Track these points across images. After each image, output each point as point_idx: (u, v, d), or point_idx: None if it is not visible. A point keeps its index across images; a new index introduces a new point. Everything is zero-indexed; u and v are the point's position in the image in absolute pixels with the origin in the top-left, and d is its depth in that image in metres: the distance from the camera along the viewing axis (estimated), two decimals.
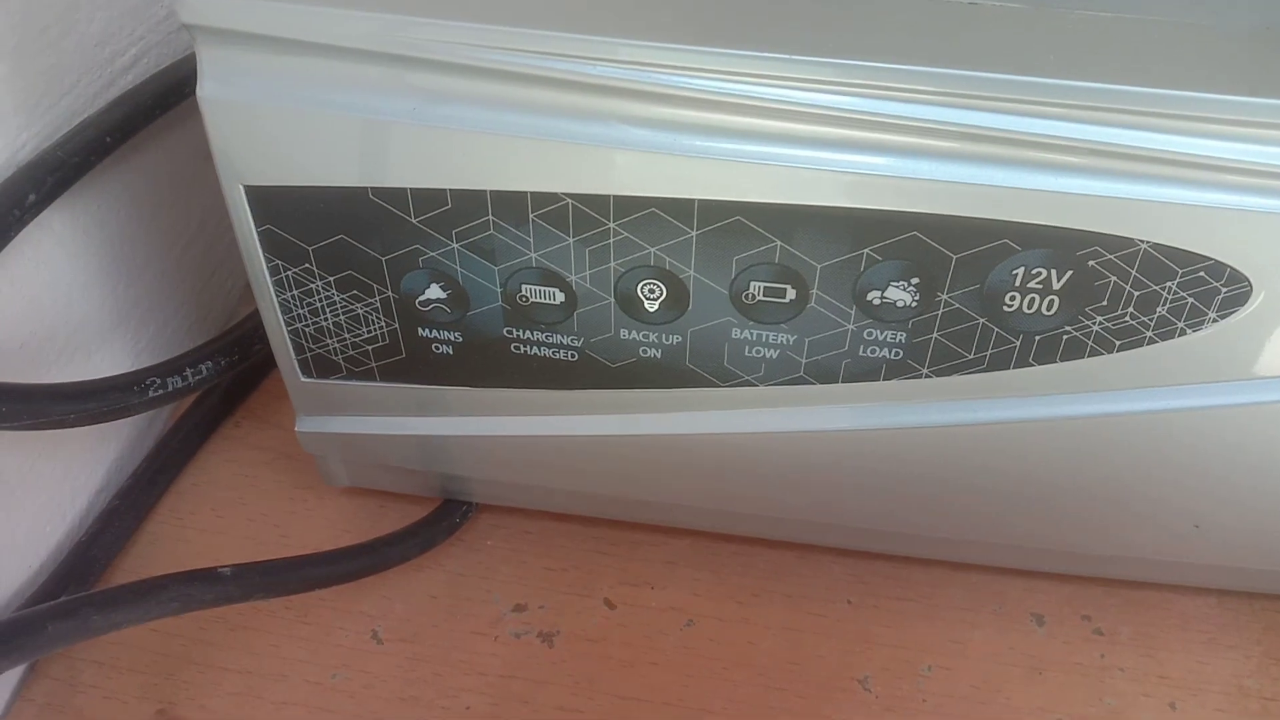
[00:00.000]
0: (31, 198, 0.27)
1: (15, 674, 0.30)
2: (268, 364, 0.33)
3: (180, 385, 0.30)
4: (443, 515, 0.32)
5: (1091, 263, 0.22)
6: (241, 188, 0.24)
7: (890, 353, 0.24)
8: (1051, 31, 0.21)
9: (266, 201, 0.24)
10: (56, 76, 0.29)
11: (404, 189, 0.23)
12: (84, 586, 0.31)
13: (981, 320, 0.23)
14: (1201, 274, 0.22)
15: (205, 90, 0.23)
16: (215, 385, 0.35)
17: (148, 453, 0.35)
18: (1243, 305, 0.22)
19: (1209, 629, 0.31)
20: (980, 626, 0.31)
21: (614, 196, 0.23)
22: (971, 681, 0.30)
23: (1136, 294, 0.22)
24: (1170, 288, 0.22)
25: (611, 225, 0.23)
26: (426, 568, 0.33)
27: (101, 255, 0.32)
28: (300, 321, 0.27)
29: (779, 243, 0.23)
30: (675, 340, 0.25)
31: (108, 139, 0.30)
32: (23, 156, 0.28)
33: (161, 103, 0.32)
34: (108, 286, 0.32)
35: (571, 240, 0.24)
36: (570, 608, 0.32)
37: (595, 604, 0.32)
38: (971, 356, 0.24)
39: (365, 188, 0.24)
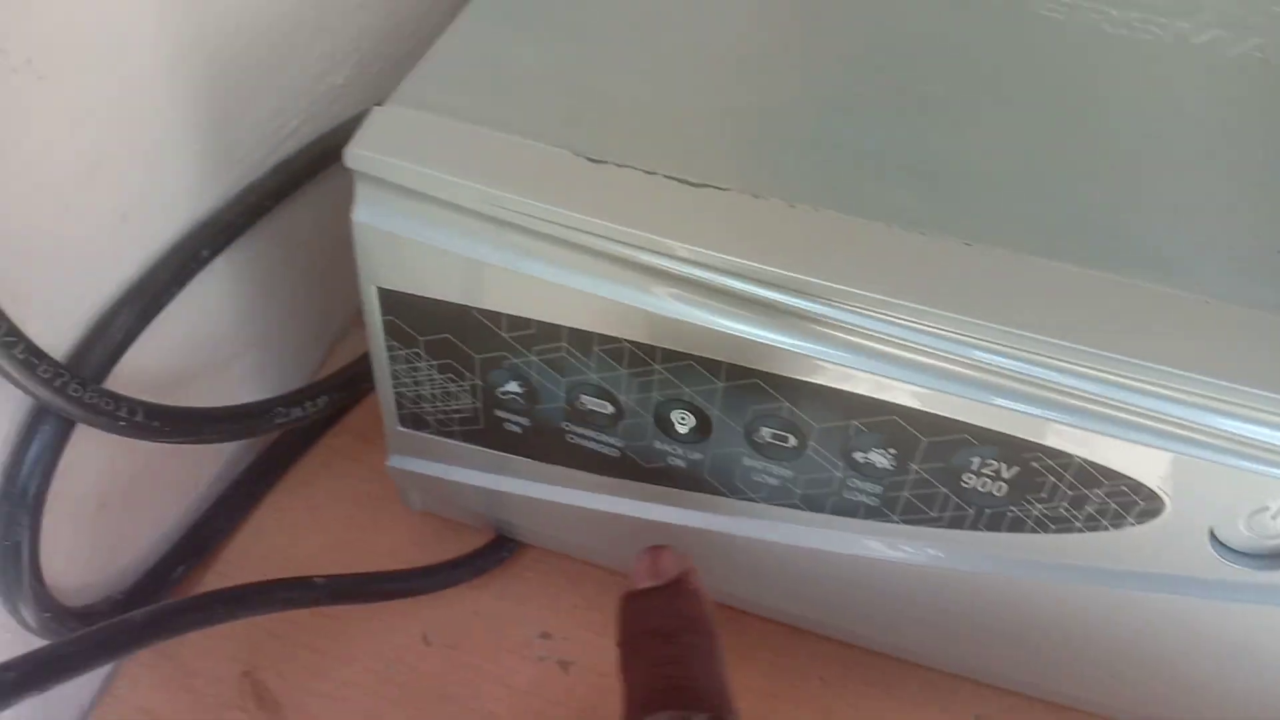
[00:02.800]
0: (205, 253, 0.34)
1: None
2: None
3: (300, 415, 0.36)
4: (494, 549, 0.39)
5: (1033, 463, 0.27)
6: (375, 288, 0.30)
7: (868, 499, 0.30)
8: (1026, 282, 0.26)
9: (393, 300, 0.31)
10: (235, 149, 0.36)
11: (500, 313, 0.29)
12: (197, 559, 0.38)
13: (943, 489, 0.29)
14: (1124, 488, 0.27)
15: (358, 216, 0.29)
16: None
17: (259, 453, 0.41)
18: (1157, 516, 0.27)
19: None
20: (926, 718, 0.37)
21: (661, 348, 0.28)
22: None
23: (1070, 493, 0.28)
24: (1098, 493, 0.27)
25: (656, 367, 0.29)
26: (474, 588, 0.39)
27: (242, 296, 0.38)
28: (404, 387, 0.33)
29: (787, 403, 0.28)
30: (697, 457, 0.31)
31: (267, 203, 0.37)
32: (199, 215, 0.35)
33: (311, 171, 0.39)
34: (246, 321, 0.39)
35: (624, 371, 0.30)
36: (588, 642, 0.38)
37: (610, 643, 0.38)
38: (933, 514, 0.29)
39: (470, 306, 0.30)
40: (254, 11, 0.34)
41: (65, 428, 0.30)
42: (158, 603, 0.30)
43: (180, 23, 0.31)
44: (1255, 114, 0.32)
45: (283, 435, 0.42)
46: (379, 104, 0.30)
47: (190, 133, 0.33)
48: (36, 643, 0.32)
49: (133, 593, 0.36)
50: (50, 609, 0.31)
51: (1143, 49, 0.34)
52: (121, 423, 0.30)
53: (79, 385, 0.29)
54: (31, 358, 0.27)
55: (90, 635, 0.28)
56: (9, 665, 0.25)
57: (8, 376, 0.27)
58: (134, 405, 0.31)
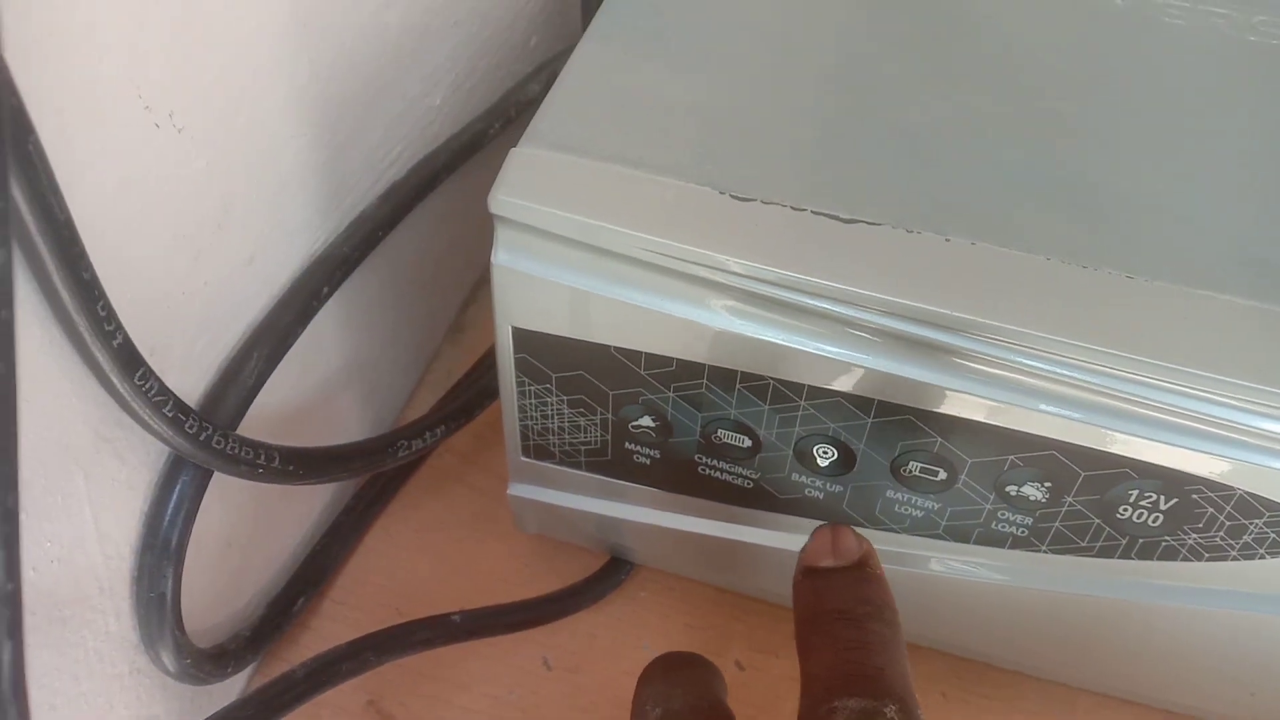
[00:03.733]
0: (325, 290, 0.34)
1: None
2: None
3: (420, 446, 0.36)
4: (610, 572, 0.39)
5: (1194, 495, 0.27)
6: (510, 327, 0.30)
7: (1018, 530, 0.30)
8: (1188, 315, 0.26)
9: (526, 339, 0.30)
10: (346, 181, 0.35)
11: (640, 351, 0.29)
12: (315, 588, 0.38)
13: (1096, 520, 0.28)
14: None
15: (498, 259, 0.29)
16: None
17: (367, 479, 0.41)
18: None
19: None
20: None
21: (807, 385, 0.28)
22: None
23: (1228, 523, 0.27)
24: (1257, 524, 0.27)
25: (801, 403, 0.29)
26: (590, 610, 0.39)
27: (351, 328, 0.38)
28: (531, 420, 0.33)
29: (939, 439, 0.28)
30: (837, 489, 0.31)
31: (379, 233, 0.36)
32: (317, 251, 0.35)
33: (418, 195, 0.38)
34: (354, 352, 0.39)
35: (766, 408, 0.29)
36: None
37: (727, 663, 0.38)
38: (1084, 544, 0.29)
39: (609, 345, 0.29)
40: (362, 46, 0.33)
41: (204, 477, 0.30)
42: (312, 656, 0.30)
43: (297, 65, 0.30)
44: None
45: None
46: (514, 146, 0.29)
47: (308, 170, 0.33)
48: (172, 685, 0.33)
49: (259, 627, 0.36)
50: (190, 655, 0.32)
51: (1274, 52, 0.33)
52: (260, 469, 0.30)
53: (222, 437, 0.29)
54: (179, 414, 0.27)
55: (257, 696, 0.28)
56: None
57: (157, 434, 0.27)
58: (271, 451, 0.31)
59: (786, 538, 0.33)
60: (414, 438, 0.36)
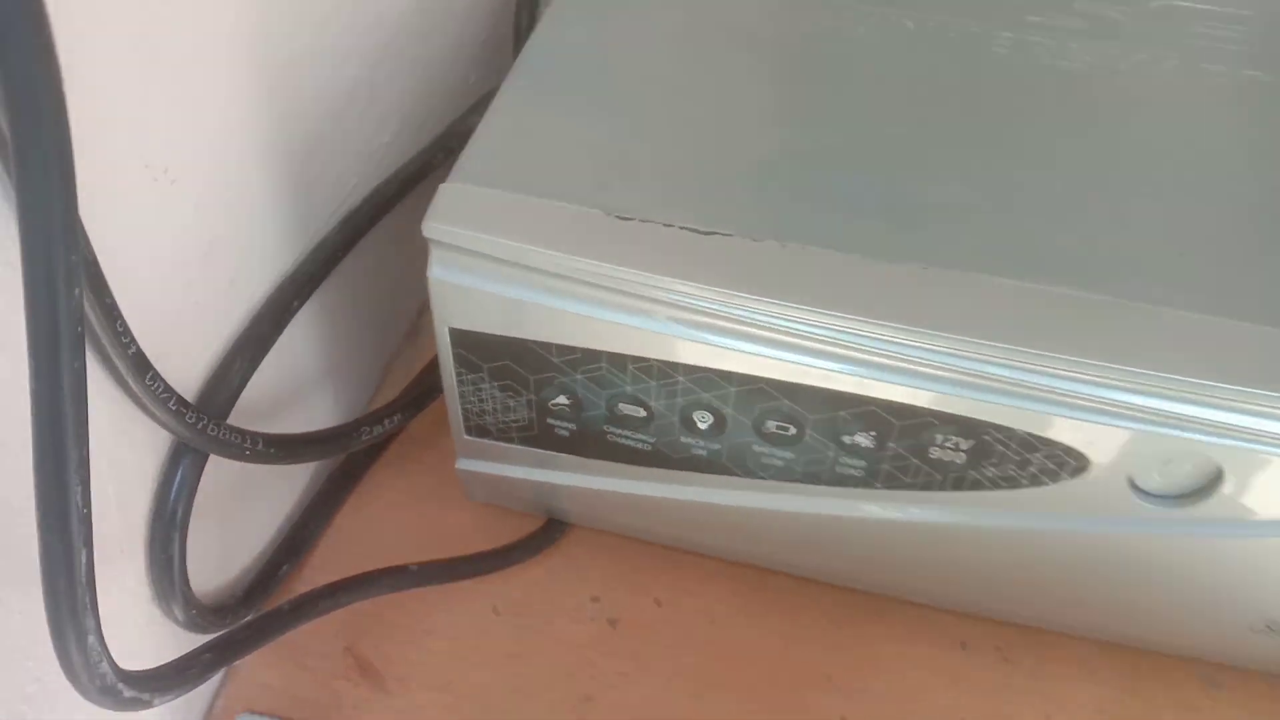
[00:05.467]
0: (295, 304, 0.41)
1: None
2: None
3: (380, 431, 0.43)
4: (549, 530, 0.46)
5: (986, 437, 0.34)
6: (447, 328, 0.37)
7: (856, 472, 0.37)
8: (975, 296, 0.33)
9: (461, 337, 0.37)
10: (310, 210, 0.42)
11: (551, 343, 0.36)
12: (297, 556, 0.45)
13: (915, 460, 0.36)
14: (1058, 452, 0.34)
15: (433, 274, 0.36)
16: None
17: (339, 463, 0.48)
18: (1085, 472, 0.34)
19: (1090, 665, 0.44)
20: (918, 646, 0.44)
21: (683, 364, 0.35)
22: (905, 686, 0.43)
23: (1015, 458, 0.35)
24: (1037, 458, 0.34)
25: (680, 379, 0.36)
26: (533, 565, 0.46)
27: (320, 336, 0.45)
28: (470, 404, 0.40)
29: (786, 401, 0.35)
30: (716, 448, 0.38)
31: (339, 254, 0.43)
32: (287, 271, 0.42)
33: (371, 220, 0.45)
34: (323, 355, 0.46)
35: (654, 384, 0.36)
36: (631, 602, 0.45)
37: (648, 601, 0.46)
38: (908, 480, 0.37)
39: (527, 339, 0.37)
40: (324, 99, 0.41)
41: (202, 459, 0.37)
42: (290, 597, 0.37)
43: (267, 121, 0.37)
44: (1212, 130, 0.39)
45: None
46: (434, 179, 0.36)
47: (279, 204, 0.40)
48: (182, 634, 0.40)
49: (250, 590, 0.43)
50: (195, 608, 0.38)
51: (1089, 78, 0.41)
52: (247, 452, 0.37)
53: (215, 426, 0.36)
54: (180, 408, 0.34)
55: (255, 623, 0.35)
56: (206, 648, 0.33)
57: (163, 424, 0.34)
58: (255, 437, 0.38)
59: (685, 490, 0.40)
60: (375, 423, 0.43)
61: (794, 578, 0.46)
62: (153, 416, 0.34)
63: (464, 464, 0.44)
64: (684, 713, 0.43)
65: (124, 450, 0.34)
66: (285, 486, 0.46)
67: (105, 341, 0.30)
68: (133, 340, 0.31)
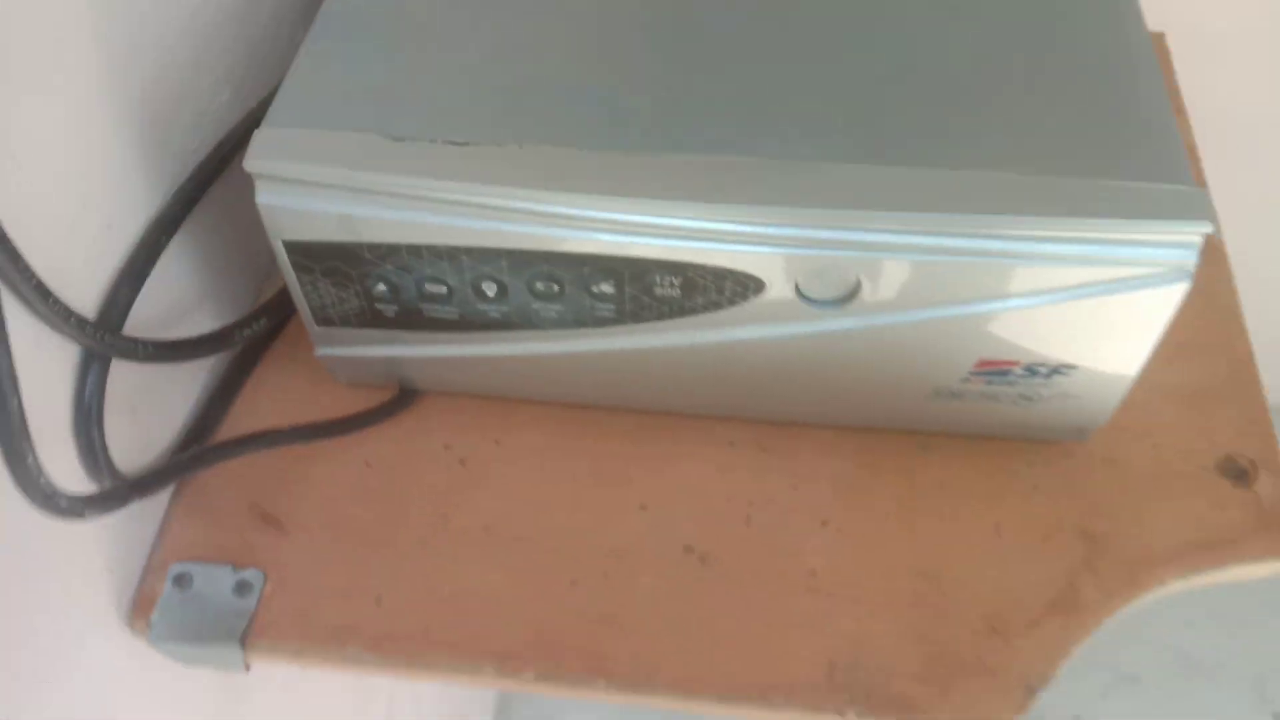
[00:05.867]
0: (164, 239, 0.51)
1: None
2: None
3: (250, 332, 0.54)
4: (403, 398, 0.57)
5: (689, 275, 0.46)
6: (279, 240, 0.48)
7: (608, 313, 0.49)
8: (661, 168, 0.45)
9: (296, 247, 0.48)
10: (166, 164, 0.53)
11: (363, 242, 0.48)
12: (206, 437, 0.57)
13: (646, 298, 0.48)
14: (743, 279, 0.46)
15: (260, 199, 0.47)
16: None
17: (230, 363, 0.59)
18: (764, 291, 0.47)
19: (831, 445, 0.57)
20: (698, 447, 0.57)
21: (464, 247, 0.47)
22: (689, 478, 0.56)
23: (714, 286, 0.47)
24: (728, 285, 0.47)
25: (464, 260, 0.47)
26: (393, 425, 0.58)
27: (196, 262, 0.56)
28: (312, 299, 0.51)
29: (547, 266, 0.47)
30: (505, 309, 0.50)
31: (195, 195, 0.54)
32: (155, 213, 0.52)
33: (220, 168, 0.56)
34: (201, 278, 0.56)
35: (447, 264, 0.48)
36: (475, 446, 0.57)
37: (489, 442, 0.58)
38: (646, 314, 0.49)
39: (343, 241, 0.48)
40: (167, 69, 0.51)
41: (106, 363, 0.48)
42: (198, 447, 0.48)
43: (122, 94, 0.48)
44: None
45: (245, 348, 0.60)
46: (258, 127, 0.47)
47: (143, 162, 0.50)
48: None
49: (166, 466, 0.54)
50: (118, 479, 0.50)
51: None
52: (140, 356, 0.48)
53: (111, 335, 0.47)
54: (84, 323, 0.45)
55: (162, 468, 0.47)
56: (125, 484, 0.44)
57: (70, 336, 0.45)
58: (145, 343, 0.49)
59: (492, 348, 0.52)
60: (245, 327, 0.54)
61: (601, 409, 0.58)
62: (60, 330, 0.44)
63: (322, 350, 0.55)
64: (522, 518, 0.55)
65: (43, 361, 0.45)
66: (188, 383, 0.57)
67: (15, 279, 0.41)
68: (33, 274, 0.42)
